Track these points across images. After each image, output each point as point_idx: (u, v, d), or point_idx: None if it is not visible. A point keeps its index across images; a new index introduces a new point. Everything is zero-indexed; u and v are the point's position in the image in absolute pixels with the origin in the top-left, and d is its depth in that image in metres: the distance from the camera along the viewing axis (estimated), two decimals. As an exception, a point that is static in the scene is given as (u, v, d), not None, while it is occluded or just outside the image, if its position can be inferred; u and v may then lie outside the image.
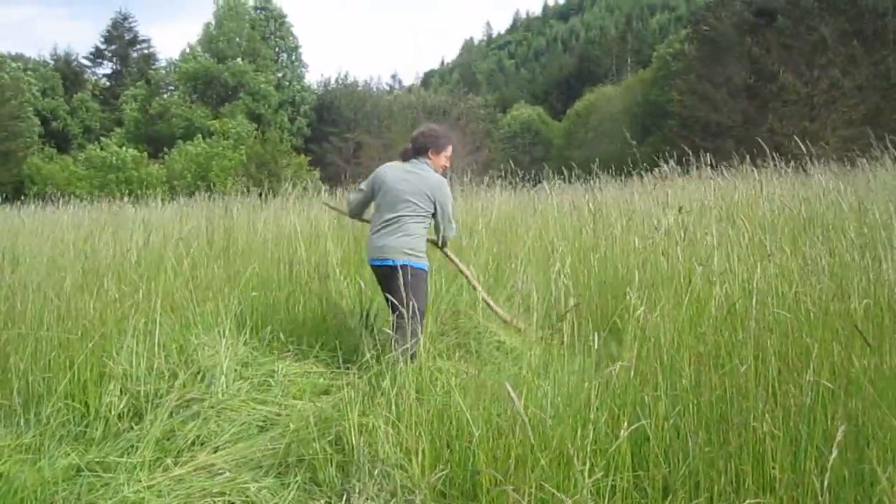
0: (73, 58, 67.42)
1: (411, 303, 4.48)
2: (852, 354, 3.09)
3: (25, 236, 7.29)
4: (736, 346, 3.36)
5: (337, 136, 58.53)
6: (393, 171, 5.36)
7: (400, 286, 4.73)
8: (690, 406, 3.11)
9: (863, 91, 33.78)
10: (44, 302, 4.79)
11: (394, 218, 5.18)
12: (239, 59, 59.84)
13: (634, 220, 6.78)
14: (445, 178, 5.50)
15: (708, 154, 8.68)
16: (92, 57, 68.76)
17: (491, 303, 5.65)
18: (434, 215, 5.31)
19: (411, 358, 4.64)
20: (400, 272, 4.88)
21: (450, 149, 5.50)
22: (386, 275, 5.07)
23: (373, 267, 5.30)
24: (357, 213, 5.76)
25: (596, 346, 3.26)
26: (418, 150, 5.40)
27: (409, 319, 4.26)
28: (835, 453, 2.22)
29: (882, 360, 3.12)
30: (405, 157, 5.45)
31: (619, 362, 3.07)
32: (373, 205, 5.49)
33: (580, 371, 3.43)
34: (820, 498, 2.33)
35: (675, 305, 3.70)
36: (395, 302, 4.58)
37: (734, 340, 3.41)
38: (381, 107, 65.98)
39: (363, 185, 5.51)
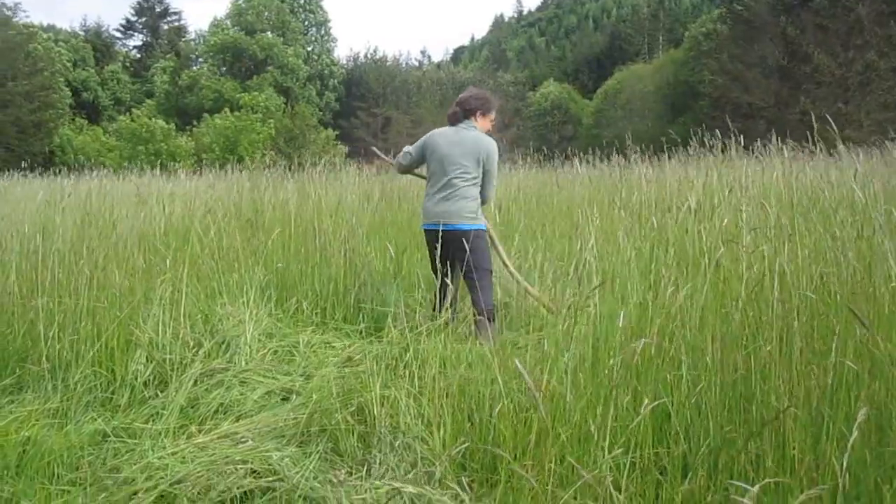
0: (103, 29, 67.84)
1: (483, 263, 4.96)
2: (878, 337, 3.06)
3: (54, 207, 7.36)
4: (760, 327, 3.34)
5: (365, 111, 58.54)
6: (445, 136, 5.48)
7: (464, 248, 4.86)
8: (713, 385, 3.10)
9: (898, 73, 33.32)
10: (73, 271, 4.84)
11: (449, 182, 5.34)
12: (268, 33, 59.87)
13: (664, 199, 6.74)
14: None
15: (739, 134, 8.59)
16: (122, 29, 69.32)
17: (525, 284, 5.65)
18: (482, 178, 5.44)
19: (489, 315, 5.07)
20: (465, 235, 5.06)
21: (494, 112, 5.63)
22: (447, 239, 5.10)
23: (428, 231, 5.43)
24: (405, 171, 5.95)
25: (621, 323, 3.25)
26: (467, 112, 5.51)
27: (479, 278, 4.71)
28: (855, 434, 2.21)
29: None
30: (454, 121, 5.55)
31: (643, 339, 3.05)
32: (426, 169, 5.62)
33: (603, 347, 3.43)
34: (840, 479, 2.32)
35: (701, 284, 3.68)
36: (467, 263, 4.92)
37: (759, 321, 3.39)
38: (409, 82, 65.93)
39: (412, 149, 5.63)
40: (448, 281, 4.78)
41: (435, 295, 5.26)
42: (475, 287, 5.17)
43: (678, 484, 2.80)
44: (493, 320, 5.14)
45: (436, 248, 5.03)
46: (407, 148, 5.70)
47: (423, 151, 5.52)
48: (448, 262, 5.10)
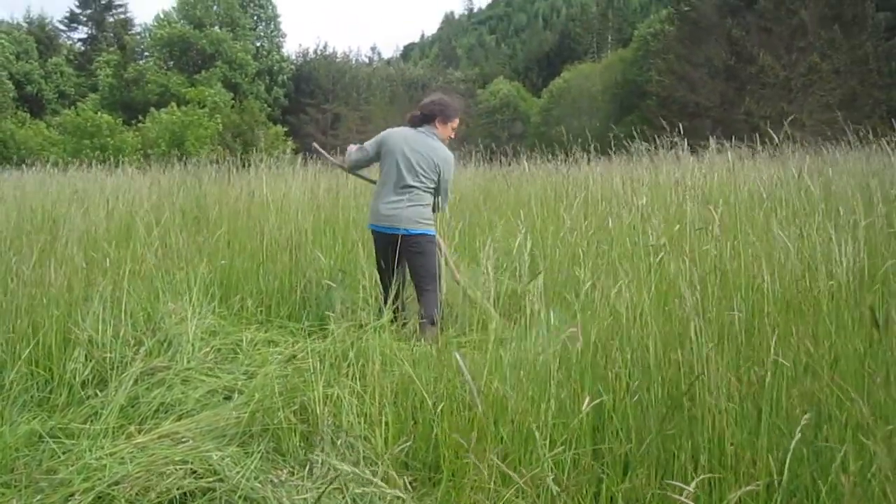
0: (47, 21, 66.53)
1: (431, 268, 4.98)
2: (815, 335, 3.12)
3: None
4: (702, 325, 3.38)
5: (314, 107, 58.22)
6: (404, 139, 5.41)
7: (415, 254, 5.04)
8: (653, 383, 3.13)
9: (840, 75, 33.99)
10: (7, 267, 4.74)
11: (406, 187, 5.29)
12: (216, 27, 59.21)
13: (606, 199, 6.80)
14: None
15: (684, 133, 8.68)
16: (67, 21, 67.91)
17: (472, 293, 5.63)
18: (436, 187, 5.40)
19: (432, 321, 5.05)
20: (416, 240, 5.16)
21: (457, 120, 5.57)
22: (394, 243, 5.16)
23: (376, 232, 5.40)
24: (354, 169, 5.84)
25: (556, 321, 3.27)
26: (426, 117, 5.47)
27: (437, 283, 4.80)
28: (798, 436, 2.24)
29: (844, 341, 3.16)
30: (413, 124, 5.50)
31: (581, 337, 3.07)
32: (377, 168, 5.57)
33: (543, 344, 3.44)
34: (777, 476, 2.36)
35: (642, 282, 3.71)
36: (416, 268, 5.11)
37: (700, 320, 3.43)
38: (359, 79, 65.72)
39: (367, 146, 5.57)
40: (391, 282, 4.81)
41: (380, 293, 5.26)
42: (422, 291, 5.24)
43: (619, 481, 2.82)
44: (435, 324, 5.08)
45: (378, 249, 5.05)
46: (360, 145, 5.63)
47: (379, 149, 5.47)
48: (394, 264, 5.12)
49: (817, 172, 6.20)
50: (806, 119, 30.59)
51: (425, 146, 5.34)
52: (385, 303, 4.78)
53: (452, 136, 5.62)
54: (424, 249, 5.15)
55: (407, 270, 5.40)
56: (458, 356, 2.66)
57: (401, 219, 5.26)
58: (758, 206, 5.49)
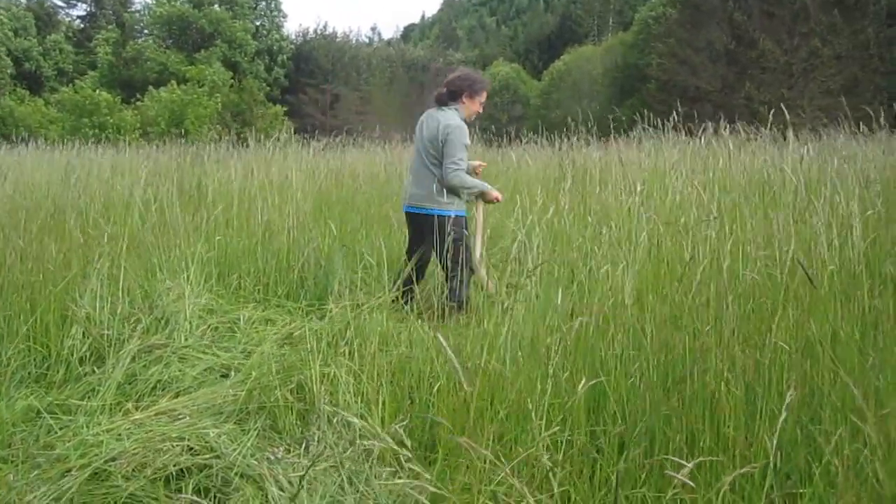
0: (46, -2, 66.18)
1: (455, 251, 4.88)
2: (811, 318, 3.12)
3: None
4: (699, 308, 3.38)
5: (314, 87, 58.02)
6: (425, 118, 5.42)
7: (435, 233, 5.00)
8: (650, 364, 3.13)
9: (841, 60, 33.93)
10: (5, 243, 4.73)
11: (421, 165, 5.33)
12: (216, 6, 58.91)
13: (606, 181, 6.80)
14: (467, 124, 5.44)
15: (685, 117, 8.68)
16: (66, -2, 67.57)
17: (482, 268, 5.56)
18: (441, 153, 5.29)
19: (454, 304, 4.90)
20: (435, 220, 5.13)
21: (484, 94, 5.51)
22: (417, 221, 5.27)
23: (406, 213, 5.46)
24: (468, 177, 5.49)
25: (559, 302, 3.27)
26: (452, 94, 5.40)
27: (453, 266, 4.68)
28: (785, 414, 2.25)
29: (840, 324, 3.16)
30: (440, 102, 5.44)
31: (580, 318, 3.07)
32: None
33: (542, 325, 3.44)
34: (771, 458, 2.36)
35: (641, 265, 3.71)
36: (442, 250, 5.01)
37: (698, 301, 3.43)
38: (359, 59, 65.48)
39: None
40: (411, 261, 4.83)
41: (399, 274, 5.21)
42: (447, 274, 5.16)
43: (614, 462, 2.83)
44: (460, 309, 4.95)
45: (408, 228, 5.08)
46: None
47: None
48: (416, 245, 5.18)
49: (816, 158, 6.20)
50: (806, 105, 30.55)
51: (434, 121, 5.31)
52: (399, 282, 4.76)
53: (480, 111, 5.56)
54: (443, 230, 5.07)
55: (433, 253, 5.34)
56: (440, 337, 2.64)
57: (420, 197, 5.29)
58: (757, 191, 5.50)
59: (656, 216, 4.20)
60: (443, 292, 5.10)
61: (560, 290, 3.33)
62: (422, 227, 5.25)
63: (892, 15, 36.72)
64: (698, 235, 3.95)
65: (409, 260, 5.00)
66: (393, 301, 4.50)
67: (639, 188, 4.72)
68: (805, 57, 34.16)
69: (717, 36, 38.28)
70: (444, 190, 5.23)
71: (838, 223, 3.87)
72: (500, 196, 5.43)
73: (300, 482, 2.86)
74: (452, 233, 5.09)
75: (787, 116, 5.01)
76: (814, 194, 4.53)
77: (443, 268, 5.25)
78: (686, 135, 8.59)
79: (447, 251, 5.00)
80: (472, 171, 5.61)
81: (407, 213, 5.38)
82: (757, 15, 35.53)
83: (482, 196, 5.38)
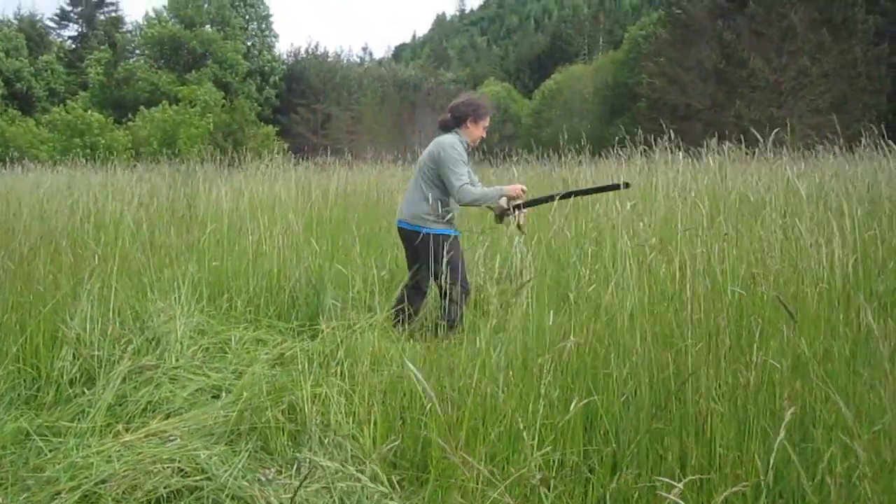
0: (38, 19, 66.33)
1: (451, 271, 4.76)
2: (802, 336, 3.13)
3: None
4: (690, 326, 3.39)
5: (305, 107, 58.16)
6: (426, 149, 5.48)
7: (424, 252, 5.06)
8: (642, 384, 3.13)
9: (829, 79, 34.16)
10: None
11: (413, 184, 5.44)
12: (207, 27, 59.09)
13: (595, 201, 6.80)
14: (472, 147, 5.52)
15: (675, 136, 8.71)
16: (57, 19, 67.80)
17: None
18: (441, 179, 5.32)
19: (448, 325, 4.77)
20: (423, 238, 5.16)
21: (488, 119, 5.51)
22: (405, 237, 5.37)
23: (398, 228, 5.50)
24: (483, 197, 5.38)
25: (550, 322, 3.27)
26: (457, 119, 5.42)
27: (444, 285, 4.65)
28: (782, 434, 2.25)
29: (832, 342, 3.17)
30: (445, 128, 5.47)
31: (572, 337, 3.07)
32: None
33: (533, 344, 3.45)
34: (763, 476, 2.36)
35: (632, 283, 3.72)
36: (432, 267, 5.05)
37: (689, 319, 3.43)
38: (350, 79, 65.62)
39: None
40: (405, 281, 4.85)
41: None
42: (441, 294, 5.15)
43: (607, 481, 2.82)
44: (452, 329, 4.85)
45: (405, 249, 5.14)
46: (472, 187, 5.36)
47: None
48: (412, 262, 5.28)
49: (806, 176, 6.23)
50: (795, 123, 30.69)
51: (434, 145, 5.37)
52: (398, 301, 4.77)
53: (484, 136, 5.54)
54: (429, 247, 5.04)
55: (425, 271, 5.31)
56: (408, 363, 2.64)
57: (410, 215, 5.33)
58: (747, 209, 5.51)
59: (647, 233, 4.21)
60: (437, 312, 5.11)
61: (551, 310, 3.34)
62: (413, 244, 5.28)
63: (880, 34, 37.00)
64: (688, 253, 3.96)
65: (411, 275, 5.03)
66: (387, 320, 4.51)
67: (629, 206, 4.73)
68: (794, 75, 34.40)
69: (706, 55, 38.53)
70: (432, 209, 5.23)
71: (828, 241, 3.88)
72: (522, 187, 5.42)
73: (290, 503, 2.85)
74: (449, 253, 5.01)
75: (783, 134, 5.04)
76: (804, 212, 4.55)
77: (438, 286, 5.24)
78: (678, 152, 8.62)
79: (441, 271, 4.98)
80: (516, 198, 5.45)
81: (399, 229, 5.40)
82: (746, 34, 35.78)
83: (507, 198, 5.37)
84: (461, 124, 5.41)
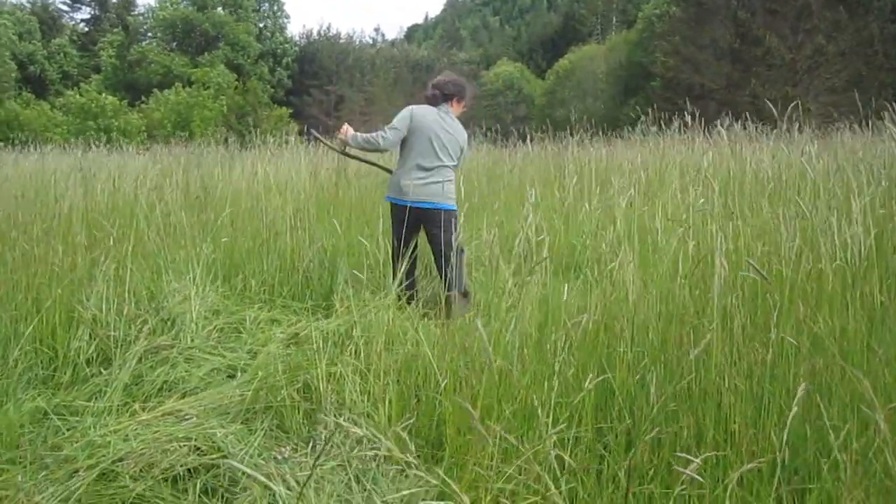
0: (50, 2, 66.38)
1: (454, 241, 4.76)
2: (818, 314, 3.12)
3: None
4: (704, 303, 3.38)
5: (318, 88, 58.10)
6: (432, 117, 5.61)
7: (442, 227, 5.29)
8: (657, 361, 3.13)
9: (846, 57, 33.80)
10: (11, 245, 4.74)
11: (438, 166, 5.53)
12: (220, 9, 59.02)
13: (611, 179, 6.79)
14: None
15: (688, 115, 8.67)
16: (69, 2, 67.82)
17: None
18: (457, 164, 5.73)
19: (465, 293, 5.23)
20: (443, 215, 5.39)
21: (467, 99, 5.90)
22: (423, 217, 5.43)
23: (398, 206, 5.49)
24: (385, 149, 5.85)
25: (565, 298, 3.27)
26: (446, 96, 5.72)
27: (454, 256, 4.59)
28: (795, 409, 2.24)
29: (847, 320, 3.16)
30: (433, 102, 5.72)
31: (586, 314, 3.07)
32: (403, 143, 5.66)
33: (549, 321, 3.44)
34: (779, 453, 2.36)
35: (645, 261, 3.71)
36: (439, 242, 5.31)
37: (703, 297, 3.43)
38: (363, 60, 65.54)
39: (398, 125, 5.57)
40: (406, 257, 4.89)
41: (398, 269, 5.27)
42: (449, 265, 5.06)
43: (621, 458, 2.83)
44: (468, 295, 5.32)
45: (403, 224, 5.12)
46: (386, 127, 5.60)
47: (409, 125, 5.55)
48: (410, 238, 5.30)
49: (824, 153, 6.19)
50: (811, 102, 30.46)
51: (454, 128, 5.63)
52: (396, 277, 4.79)
53: (461, 113, 5.90)
54: (451, 224, 5.29)
55: (424, 245, 5.64)
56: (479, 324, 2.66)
57: (435, 195, 5.46)
58: (763, 187, 5.49)
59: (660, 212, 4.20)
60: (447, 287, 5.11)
61: (566, 286, 3.33)
62: (424, 221, 5.43)
63: (896, 10, 36.64)
64: (702, 231, 3.95)
65: (404, 255, 5.04)
66: (398, 298, 4.54)
67: (643, 184, 4.72)
68: (809, 54, 34.09)
69: (721, 34, 38.21)
70: (452, 186, 5.55)
71: (845, 218, 3.85)
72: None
73: (306, 481, 2.86)
74: (455, 226, 5.13)
75: (800, 111, 5.01)
76: (821, 189, 4.53)
77: (443, 260, 5.30)
78: (692, 132, 8.59)
79: (447, 244, 5.14)
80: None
81: (410, 209, 5.38)
82: (761, 12, 35.44)
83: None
84: (448, 101, 5.71)
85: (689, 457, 2.18)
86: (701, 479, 2.19)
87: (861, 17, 34.63)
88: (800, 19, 34.48)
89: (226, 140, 11.85)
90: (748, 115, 8.70)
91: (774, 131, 8.36)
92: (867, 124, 8.82)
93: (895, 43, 35.60)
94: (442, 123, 5.56)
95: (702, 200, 4.51)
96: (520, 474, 2.59)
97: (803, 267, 3.53)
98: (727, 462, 2.64)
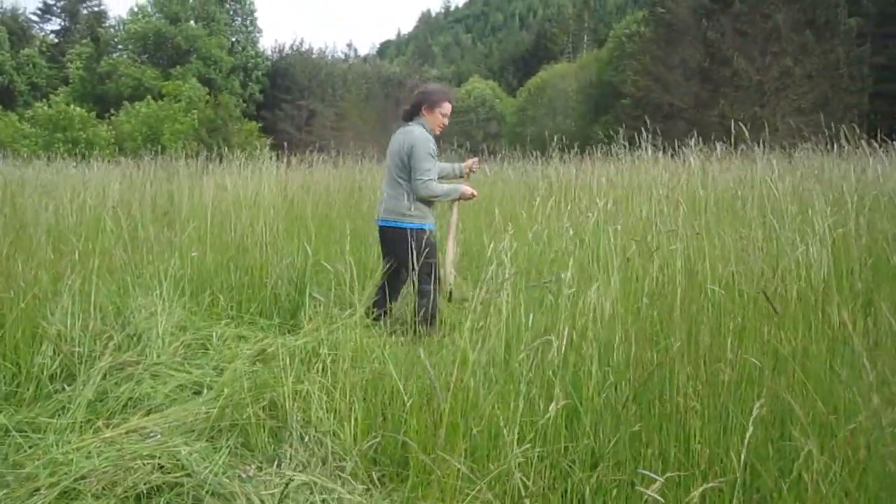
0: (20, 12, 65.90)
1: (424, 265, 4.73)
2: (782, 334, 3.15)
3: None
4: (669, 324, 3.41)
5: (290, 103, 58.02)
6: (394, 135, 5.54)
7: (400, 248, 5.07)
8: (622, 381, 3.15)
9: (812, 79, 34.35)
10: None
11: (390, 179, 5.44)
12: (192, 22, 58.81)
13: (578, 197, 6.84)
14: (434, 136, 5.55)
15: (658, 134, 8.76)
16: (40, 12, 67.34)
17: (452, 268, 5.62)
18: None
19: (424, 320, 4.88)
20: (402, 234, 5.16)
21: (446, 105, 5.56)
22: (385, 235, 5.42)
23: (379, 227, 5.54)
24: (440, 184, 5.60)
25: (530, 320, 3.28)
26: (414, 108, 5.54)
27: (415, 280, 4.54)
28: (751, 429, 2.27)
29: (810, 341, 3.19)
30: (405, 119, 5.59)
31: (550, 335, 3.08)
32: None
33: (514, 342, 3.45)
34: (738, 472, 2.38)
35: (610, 282, 3.73)
36: (401, 261, 5.11)
37: (669, 318, 3.46)
38: (335, 75, 65.52)
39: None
40: (380, 276, 4.88)
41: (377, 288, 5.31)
42: (416, 289, 5.00)
43: (587, 477, 2.84)
44: (431, 324, 5.00)
45: (380, 242, 5.15)
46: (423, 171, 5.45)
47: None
48: (388, 259, 5.30)
49: (788, 175, 6.27)
50: (779, 122, 30.86)
51: (402, 134, 5.44)
52: (376, 298, 4.78)
53: (446, 123, 5.60)
54: (408, 243, 4.95)
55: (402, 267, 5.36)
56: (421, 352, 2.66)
57: (389, 211, 5.38)
58: (728, 207, 5.55)
59: (626, 232, 4.23)
60: (415, 309, 5.08)
61: (532, 308, 3.35)
62: (392, 242, 5.31)
63: (862, 35, 37.27)
64: (667, 251, 3.98)
65: (385, 274, 5.04)
66: (364, 314, 4.49)
67: (609, 204, 4.75)
68: (777, 76, 34.58)
69: (690, 54, 38.65)
70: (412, 204, 5.32)
71: (808, 239, 3.90)
72: (474, 192, 5.53)
73: (279, 502, 2.85)
74: (426, 248, 5.03)
75: (766, 133, 5.07)
76: (784, 211, 4.58)
77: (413, 283, 5.20)
78: (661, 151, 8.67)
79: (420, 266, 4.96)
80: (469, 170, 5.88)
81: (379, 228, 5.41)
82: (730, 34, 35.90)
83: (458, 197, 5.50)
84: (418, 113, 5.51)
85: (653, 475, 2.20)
86: (662, 500, 2.20)
87: (828, 40, 35.21)
88: (768, 41, 34.98)
89: (196, 154, 11.78)
90: (716, 135, 8.81)
91: (741, 151, 8.48)
92: (833, 145, 8.95)
93: (860, 66, 36.23)
94: (395, 138, 5.49)
95: (668, 220, 4.56)
96: (483, 494, 2.60)
97: (766, 287, 3.57)
98: (690, 481, 2.66)
